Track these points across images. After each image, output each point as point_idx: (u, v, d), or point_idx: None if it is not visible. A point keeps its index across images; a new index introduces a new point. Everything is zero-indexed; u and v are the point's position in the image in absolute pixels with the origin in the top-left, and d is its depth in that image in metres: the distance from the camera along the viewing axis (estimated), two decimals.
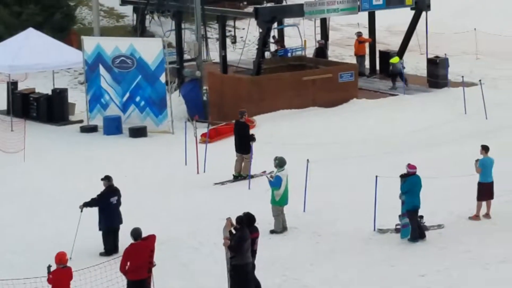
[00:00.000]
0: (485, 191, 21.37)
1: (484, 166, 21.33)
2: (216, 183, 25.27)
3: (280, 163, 22.24)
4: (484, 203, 21.31)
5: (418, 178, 21.18)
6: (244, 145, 27.30)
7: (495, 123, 30.14)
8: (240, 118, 28.10)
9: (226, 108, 32.60)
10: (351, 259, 20.57)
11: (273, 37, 39.70)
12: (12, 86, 34.15)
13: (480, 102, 31.25)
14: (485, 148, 21.71)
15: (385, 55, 37.59)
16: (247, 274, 18.53)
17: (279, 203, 22.00)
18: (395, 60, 37.65)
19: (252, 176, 25.45)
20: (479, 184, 21.32)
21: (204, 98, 32.71)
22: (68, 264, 17.73)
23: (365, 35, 38.75)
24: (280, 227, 21.97)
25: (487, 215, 21.19)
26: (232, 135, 29.53)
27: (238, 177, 27.16)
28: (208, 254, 19.96)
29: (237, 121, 28.31)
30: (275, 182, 21.94)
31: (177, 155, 28.09)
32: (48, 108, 32.95)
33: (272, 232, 21.86)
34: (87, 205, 21.32)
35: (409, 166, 21.38)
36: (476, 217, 21.02)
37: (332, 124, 30.65)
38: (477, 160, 21.48)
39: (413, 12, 36.61)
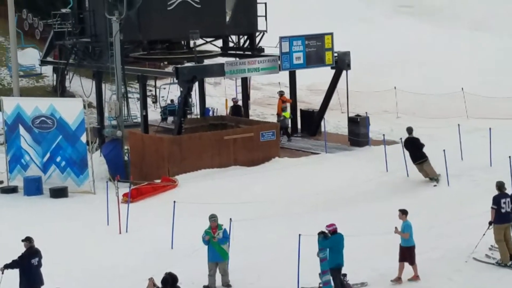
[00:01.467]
0: (407, 255, 21.56)
1: (408, 230, 21.48)
2: None
3: (210, 219, 22.40)
4: (410, 266, 21.45)
5: (340, 236, 21.33)
6: (419, 154, 29.81)
7: (416, 180, 30.40)
8: (409, 134, 30.69)
9: (147, 168, 32.66)
10: None
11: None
12: None
13: (401, 159, 31.61)
14: (404, 212, 21.86)
15: (307, 114, 37.90)
16: None
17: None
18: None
19: None
20: (401, 247, 21.45)
21: (126, 158, 32.62)
22: None
23: (287, 94, 38.94)
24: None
25: (416, 277, 21.30)
26: (153, 195, 30.31)
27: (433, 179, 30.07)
28: None
29: (408, 138, 30.31)
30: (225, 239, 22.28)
31: (99, 215, 27.87)
32: None
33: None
34: (8, 266, 21.09)
35: (328, 225, 21.59)
36: (398, 279, 21.13)
37: (253, 184, 30.69)
38: (396, 228, 21.65)
39: (333, 71, 37.10)
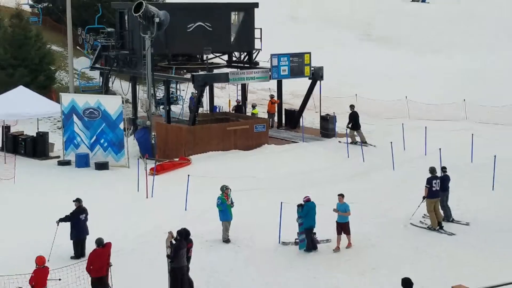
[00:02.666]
0: (343, 229, 21.46)
1: (342, 210, 21.51)
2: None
3: (221, 189, 22.43)
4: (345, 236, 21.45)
5: (313, 204, 21.47)
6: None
7: (369, 165, 30.38)
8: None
9: (168, 149, 32.63)
10: (262, 265, 20.71)
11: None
12: (6, 129, 33.70)
13: (358, 148, 31.72)
14: (342, 196, 21.73)
15: (290, 113, 37.94)
16: (182, 274, 18.61)
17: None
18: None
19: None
20: (337, 223, 21.39)
21: (153, 141, 32.56)
22: (46, 265, 17.65)
23: (275, 97, 38.95)
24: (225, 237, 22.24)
25: (350, 244, 21.34)
26: (173, 170, 30.23)
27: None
28: (153, 259, 19.81)
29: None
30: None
31: (131, 184, 27.88)
32: (33, 147, 32.61)
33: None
34: (62, 220, 21.19)
35: (305, 197, 21.66)
36: (337, 248, 21.17)
37: (248, 163, 30.74)
38: (334, 209, 21.57)
39: (310, 81, 37.09)
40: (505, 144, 30.52)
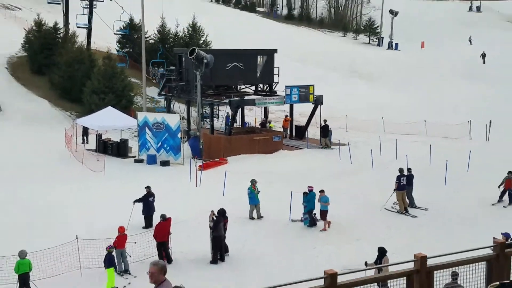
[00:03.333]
0: (325, 215, 21.40)
1: (324, 201, 21.47)
2: None
3: (251, 181, 22.70)
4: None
5: (313, 193, 21.54)
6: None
7: (354, 165, 30.28)
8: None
9: (212, 153, 32.49)
10: (277, 236, 20.79)
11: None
12: (99, 136, 33.93)
13: (347, 153, 31.63)
14: (322, 191, 21.68)
15: (298, 128, 37.94)
16: (221, 241, 18.73)
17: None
18: (271, 125, 39.15)
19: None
20: (321, 211, 21.45)
21: (201, 146, 32.60)
22: (125, 232, 17.88)
23: (288, 116, 38.97)
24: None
25: (325, 229, 21.28)
26: (214, 167, 30.24)
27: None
28: (200, 229, 19.82)
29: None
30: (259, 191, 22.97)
31: (185, 176, 27.94)
32: (117, 149, 32.92)
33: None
34: (137, 201, 21.43)
35: (309, 187, 21.63)
36: (324, 229, 21.23)
37: (268, 163, 30.74)
38: (318, 200, 21.60)
39: (313, 105, 37.07)
40: (455, 152, 30.24)
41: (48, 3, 47.94)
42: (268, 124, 38.92)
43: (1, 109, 36.68)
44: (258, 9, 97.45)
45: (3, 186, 25.92)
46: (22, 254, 16.64)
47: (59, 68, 40.78)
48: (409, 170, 24.24)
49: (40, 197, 24.48)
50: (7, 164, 29.06)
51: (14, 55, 44.74)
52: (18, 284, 16.54)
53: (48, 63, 42.50)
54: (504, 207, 23.25)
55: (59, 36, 45.40)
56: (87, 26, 44.99)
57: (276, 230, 21.41)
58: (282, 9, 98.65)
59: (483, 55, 61.71)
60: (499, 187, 23.69)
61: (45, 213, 22.56)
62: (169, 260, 17.88)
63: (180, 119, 34.47)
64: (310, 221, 21.54)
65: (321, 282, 8.31)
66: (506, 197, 23.58)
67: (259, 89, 38.36)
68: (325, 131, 35.03)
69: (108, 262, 17.32)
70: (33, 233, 19.99)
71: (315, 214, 21.71)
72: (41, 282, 16.90)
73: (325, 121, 35.02)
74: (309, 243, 20.10)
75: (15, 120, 35.90)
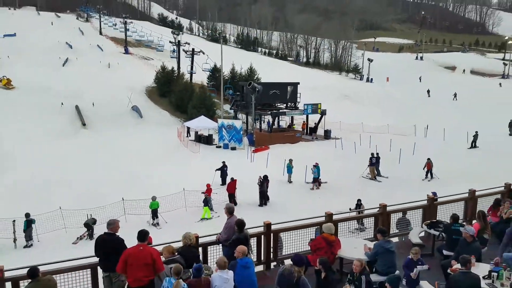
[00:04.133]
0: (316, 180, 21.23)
1: (316, 171, 21.29)
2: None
3: (290, 161, 22.22)
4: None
5: (318, 167, 21.31)
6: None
7: (345, 152, 29.42)
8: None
9: (260, 142, 32.18)
10: (298, 191, 20.60)
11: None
12: (196, 132, 33.77)
13: (340, 144, 31.13)
14: (316, 164, 21.41)
15: (311, 128, 37.19)
16: (264, 193, 18.80)
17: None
18: (294, 127, 37.74)
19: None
20: (314, 178, 21.25)
21: (254, 139, 32.59)
22: (210, 187, 18.01)
23: (305, 121, 38.55)
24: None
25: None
26: (261, 151, 29.70)
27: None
28: (254, 186, 19.83)
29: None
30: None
31: (245, 156, 28.11)
32: (206, 139, 32.89)
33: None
34: (217, 169, 21.67)
35: (315, 163, 21.42)
36: (313, 189, 21.13)
37: (292, 149, 30.37)
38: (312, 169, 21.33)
39: (319, 115, 36.42)
40: (405, 143, 29.29)
41: (171, 57, 48.78)
42: (292, 126, 38.65)
43: (142, 117, 37.68)
44: (288, 58, 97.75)
45: (145, 161, 25.92)
46: (153, 198, 17.26)
47: (174, 93, 41.54)
48: (377, 154, 23.90)
49: (163, 167, 24.98)
50: (146, 150, 29.39)
51: (149, 86, 45.74)
52: (151, 214, 17.16)
53: (168, 91, 43.18)
54: (429, 181, 22.33)
55: (174, 75, 46.12)
56: (194, 72, 45.99)
57: (298, 189, 21.47)
58: (303, 58, 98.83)
59: (428, 91, 57.82)
60: (423, 168, 22.78)
61: (167, 175, 22.95)
62: (235, 204, 18.22)
63: (242, 123, 34.49)
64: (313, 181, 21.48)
65: (323, 218, 8.43)
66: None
67: (288, 105, 38.22)
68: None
69: (205, 202, 17.79)
70: (157, 185, 20.31)
71: (320, 179, 21.64)
72: (166, 214, 17.47)
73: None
74: (316, 196, 20.10)
75: (150, 123, 36.76)
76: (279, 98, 37.08)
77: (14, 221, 14.89)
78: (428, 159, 22.50)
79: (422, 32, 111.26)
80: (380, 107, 49.70)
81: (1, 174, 22.43)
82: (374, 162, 23.14)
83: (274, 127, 35.92)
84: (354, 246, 7.42)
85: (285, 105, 38.28)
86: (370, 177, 22.85)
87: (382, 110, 46.87)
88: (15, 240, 14.99)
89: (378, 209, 9.28)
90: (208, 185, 18.86)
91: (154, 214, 17.10)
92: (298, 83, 38.35)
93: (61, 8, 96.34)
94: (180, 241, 6.75)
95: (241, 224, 6.76)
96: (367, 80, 73.55)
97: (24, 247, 14.94)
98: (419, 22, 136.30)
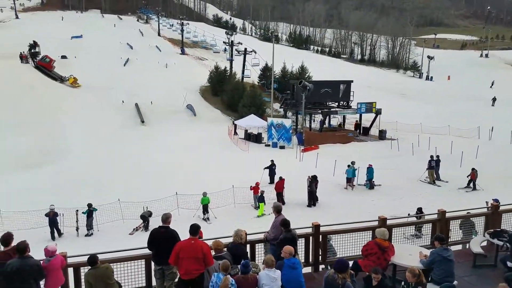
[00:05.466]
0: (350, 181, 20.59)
1: (350, 172, 20.67)
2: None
3: (351, 163, 21.13)
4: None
5: (372, 168, 20.67)
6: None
7: (401, 152, 28.64)
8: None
9: (309, 141, 31.84)
10: (347, 194, 20.02)
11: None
12: (245, 130, 34.04)
13: (396, 144, 29.99)
14: (351, 163, 20.59)
15: (364, 128, 36.12)
16: (312, 194, 18.50)
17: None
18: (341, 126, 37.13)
19: None
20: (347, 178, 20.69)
21: (303, 138, 32.29)
22: (258, 186, 17.99)
23: (358, 121, 37.57)
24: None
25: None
26: (311, 150, 29.33)
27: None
28: (302, 185, 19.35)
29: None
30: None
31: (294, 155, 27.86)
32: (256, 138, 33.10)
33: None
34: (266, 168, 21.64)
35: (369, 164, 20.78)
36: (347, 188, 20.06)
37: (345, 149, 29.72)
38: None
39: (374, 114, 35.28)
40: (468, 146, 27.54)
41: (227, 59, 49.47)
42: (339, 125, 37.51)
43: (196, 115, 38.71)
44: (342, 55, 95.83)
45: (197, 157, 26.61)
46: (204, 194, 17.64)
47: (226, 92, 42.29)
48: (437, 156, 22.64)
49: (213, 163, 25.50)
50: (199, 146, 30.01)
51: (203, 85, 46.88)
52: (202, 209, 17.55)
53: (220, 90, 44.06)
54: (467, 191, 20.00)
55: (226, 74, 46.92)
56: (248, 76, 46.29)
57: (348, 190, 20.88)
58: (357, 56, 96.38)
59: (494, 99, 49.17)
60: (467, 176, 20.73)
61: (217, 171, 23.38)
62: (283, 203, 18.11)
63: (291, 122, 34.25)
64: (369, 185, 20.80)
65: (376, 223, 8.11)
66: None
67: (340, 104, 37.39)
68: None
69: (261, 199, 17.88)
70: (208, 181, 20.67)
71: (373, 181, 20.92)
72: (215, 210, 17.79)
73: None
74: (369, 198, 19.43)
75: (203, 121, 37.62)
76: (330, 96, 36.36)
77: (77, 210, 15.85)
78: (473, 169, 20.75)
79: (488, 27, 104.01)
80: (440, 107, 47.11)
81: (67, 166, 24.07)
82: (434, 165, 21.94)
83: (324, 126, 35.30)
84: (409, 253, 7.05)
85: (337, 103, 37.57)
86: (429, 181, 21.67)
87: (442, 110, 44.40)
88: (77, 228, 15.82)
89: (436, 215, 8.77)
90: (257, 183, 18.93)
91: (205, 209, 17.47)
92: (352, 81, 37.35)
93: (123, 10, 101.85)
94: (228, 236, 6.82)
95: (285, 223, 6.69)
96: (427, 78, 70.23)
97: (85, 235, 15.76)
98: (485, 17, 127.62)
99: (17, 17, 79.51)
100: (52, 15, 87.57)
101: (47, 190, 19.18)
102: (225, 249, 6.39)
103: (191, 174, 22.72)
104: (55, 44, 53.76)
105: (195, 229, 6.05)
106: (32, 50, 43.05)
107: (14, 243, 5.76)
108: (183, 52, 64.58)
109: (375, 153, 28.22)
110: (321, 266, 7.93)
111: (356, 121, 37.41)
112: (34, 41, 43.82)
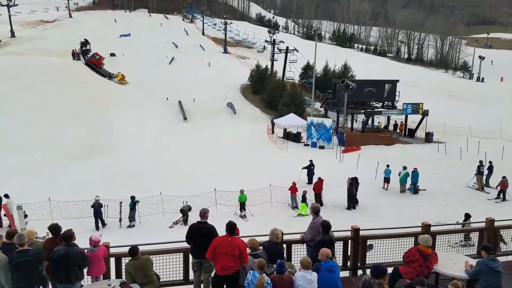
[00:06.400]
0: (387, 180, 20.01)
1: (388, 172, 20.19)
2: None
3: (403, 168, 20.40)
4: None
5: (417, 172, 19.91)
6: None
7: (448, 156, 27.40)
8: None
9: (350, 142, 31.02)
10: (390, 198, 19.52)
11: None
12: (284, 129, 33.67)
13: (443, 148, 28.73)
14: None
15: (410, 130, 34.82)
16: (352, 196, 18.15)
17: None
18: (379, 124, 35.77)
19: None
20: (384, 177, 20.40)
21: (344, 138, 31.59)
22: (296, 186, 17.79)
23: (403, 122, 36.34)
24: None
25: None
26: (352, 151, 28.68)
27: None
28: (342, 189, 19.12)
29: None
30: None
31: (334, 156, 27.43)
32: (294, 137, 32.74)
33: None
34: (304, 168, 21.48)
35: (414, 168, 20.09)
36: (383, 188, 19.25)
37: (388, 151, 28.96)
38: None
39: (420, 116, 33.98)
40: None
41: (270, 59, 49.20)
42: (378, 125, 36.25)
43: (236, 113, 39.00)
44: (388, 54, 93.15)
45: (236, 155, 26.75)
46: (241, 192, 17.78)
47: (266, 91, 42.36)
48: (490, 162, 21.45)
49: (251, 161, 25.62)
50: (237, 144, 30.08)
51: (244, 83, 47.04)
52: (239, 207, 17.70)
53: (260, 88, 44.21)
54: (496, 202, 18.71)
55: (267, 73, 47.01)
56: (292, 78, 46.60)
57: (390, 194, 20.27)
58: (404, 54, 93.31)
59: None
60: (496, 187, 19.38)
61: (255, 169, 23.39)
62: (321, 204, 17.89)
63: (332, 121, 33.70)
64: (414, 190, 20.06)
65: (419, 229, 7.85)
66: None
67: (385, 104, 36.30)
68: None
69: (303, 199, 17.82)
70: (245, 179, 20.60)
71: (418, 186, 20.15)
72: (252, 208, 17.88)
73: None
74: (412, 203, 18.74)
75: (242, 118, 37.74)
76: (374, 96, 35.40)
77: (121, 202, 16.45)
78: (504, 177, 19.31)
79: None
80: (491, 109, 44.59)
81: (112, 160, 24.99)
82: (482, 170, 20.76)
83: (367, 126, 34.35)
84: (454, 262, 6.73)
85: (381, 104, 36.50)
86: (477, 187, 20.56)
87: (493, 113, 42.02)
88: (120, 220, 16.30)
89: (484, 223, 8.32)
90: (294, 183, 18.81)
91: (242, 206, 17.61)
92: (397, 81, 36.13)
93: (170, 10, 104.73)
94: (264, 235, 6.82)
95: (326, 225, 6.62)
96: (478, 79, 66.68)
97: (128, 227, 16.20)
98: None
99: (70, 16, 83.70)
100: (103, 14, 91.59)
101: (93, 182, 19.97)
102: (261, 247, 6.37)
103: (229, 171, 22.97)
104: (105, 42, 56.12)
105: (232, 227, 6.09)
106: (83, 48, 45.04)
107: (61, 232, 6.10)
108: (225, 51, 65.49)
109: (421, 156, 27.14)
110: (360, 271, 7.75)
111: (402, 122, 36.01)
112: (85, 39, 45.91)
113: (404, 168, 20.43)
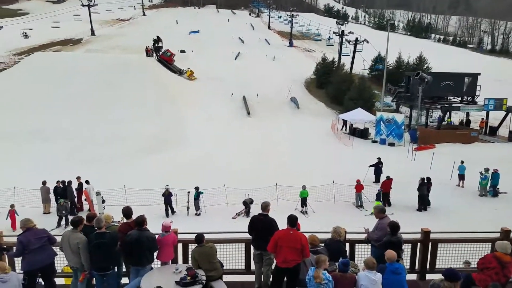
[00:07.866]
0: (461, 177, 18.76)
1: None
2: None
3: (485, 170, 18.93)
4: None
5: (498, 174, 18.33)
6: None
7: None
8: None
9: (424, 140, 29.39)
10: (466, 200, 18.25)
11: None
12: (351, 125, 32.88)
13: None
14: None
15: (491, 127, 32.33)
16: (423, 197, 17.31)
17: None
18: (449, 120, 33.71)
19: None
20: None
21: (417, 135, 30.04)
22: (361, 183, 17.31)
23: (484, 119, 33.52)
24: None
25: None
26: (426, 149, 27.15)
27: None
28: (413, 189, 18.21)
29: None
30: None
31: (405, 154, 26.21)
32: (361, 133, 31.79)
33: None
34: (371, 166, 20.74)
35: (494, 169, 18.53)
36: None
37: (466, 151, 26.86)
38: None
39: (504, 112, 31.27)
40: None
41: (338, 52, 48.16)
42: (447, 120, 33.79)
43: (299, 107, 38.91)
44: (468, 45, 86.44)
45: (298, 150, 26.41)
46: (303, 187, 17.76)
47: (332, 85, 41.51)
48: None
49: (314, 157, 25.34)
50: (300, 139, 29.85)
51: (308, 77, 46.64)
52: (301, 202, 17.72)
53: (326, 82, 43.44)
54: None
55: (334, 66, 46.08)
56: (368, 74, 45.15)
57: (466, 196, 18.93)
58: (487, 45, 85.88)
59: None
60: None
61: (317, 165, 23.04)
62: (389, 204, 17.27)
63: (404, 117, 32.22)
64: (493, 192, 18.54)
65: (497, 235, 7.35)
66: None
67: (464, 99, 33.78)
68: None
69: (378, 197, 17.42)
70: (307, 175, 20.45)
71: (498, 188, 18.58)
72: (314, 204, 17.75)
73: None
74: (490, 206, 17.36)
75: (306, 113, 37.59)
76: (452, 90, 33.09)
77: (188, 192, 17.35)
78: None
79: None
80: None
81: (183, 153, 26.24)
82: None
83: (443, 123, 32.33)
84: None
85: (460, 98, 34.01)
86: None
87: None
88: (188, 208, 17.24)
89: None
90: (357, 181, 18.32)
91: (303, 202, 17.60)
92: (479, 74, 33.48)
93: (237, 5, 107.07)
94: (325, 232, 6.82)
95: (395, 226, 6.52)
96: None
97: (195, 214, 17.03)
98: None
99: (144, 14, 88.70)
100: (174, 11, 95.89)
101: (165, 173, 21.17)
102: (322, 244, 6.41)
103: (291, 166, 22.99)
104: (175, 38, 58.66)
105: (293, 220, 6.21)
106: (156, 45, 47.30)
107: (134, 217, 6.53)
108: (291, 45, 65.29)
109: (503, 156, 24.96)
110: (429, 275, 7.45)
111: (482, 119, 33.40)
112: (157, 36, 48.41)
113: (486, 170, 18.89)
